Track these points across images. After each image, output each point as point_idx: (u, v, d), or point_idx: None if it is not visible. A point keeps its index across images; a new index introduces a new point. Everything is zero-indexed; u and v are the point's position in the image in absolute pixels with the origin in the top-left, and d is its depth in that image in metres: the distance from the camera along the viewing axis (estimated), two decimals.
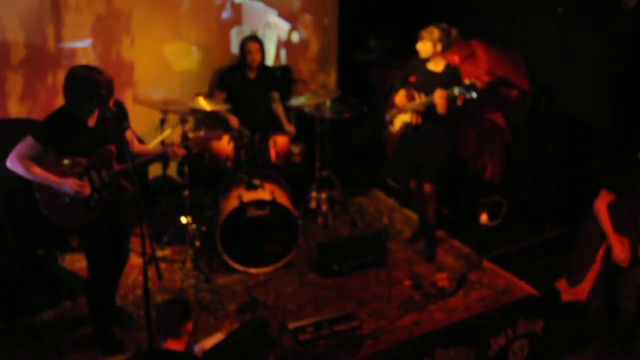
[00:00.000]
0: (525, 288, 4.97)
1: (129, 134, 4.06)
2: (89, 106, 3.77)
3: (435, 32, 4.84)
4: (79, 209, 3.87)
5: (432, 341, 4.35)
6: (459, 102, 4.81)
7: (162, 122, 5.09)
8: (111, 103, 3.83)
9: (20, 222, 4.44)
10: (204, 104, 4.99)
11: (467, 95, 4.70)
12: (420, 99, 4.91)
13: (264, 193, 5.05)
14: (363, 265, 5.13)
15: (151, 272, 3.86)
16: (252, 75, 5.65)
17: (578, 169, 5.54)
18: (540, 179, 5.64)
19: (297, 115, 6.06)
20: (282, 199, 5.10)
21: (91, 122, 3.87)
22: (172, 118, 5.18)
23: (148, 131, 5.31)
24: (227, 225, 4.96)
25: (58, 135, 3.78)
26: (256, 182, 5.14)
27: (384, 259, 5.22)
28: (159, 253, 5.10)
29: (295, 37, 6.50)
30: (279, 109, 5.79)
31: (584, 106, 5.60)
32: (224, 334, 4.15)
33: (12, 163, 3.79)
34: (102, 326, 4.26)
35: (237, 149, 5.26)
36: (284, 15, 6.36)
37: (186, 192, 5.14)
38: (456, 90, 4.70)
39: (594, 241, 4.51)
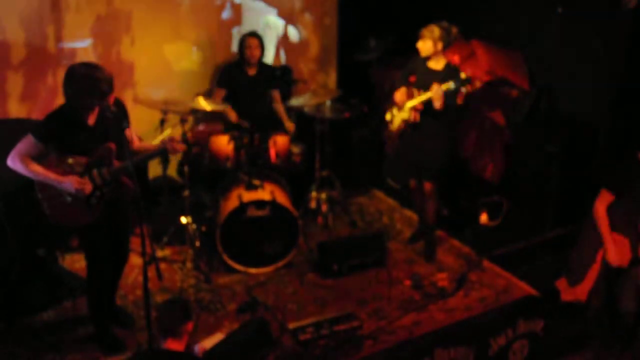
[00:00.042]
0: (525, 288, 4.98)
1: (129, 132, 4.07)
2: (90, 102, 3.76)
3: (435, 30, 4.84)
4: (81, 208, 3.87)
5: (432, 341, 4.35)
6: (459, 101, 4.81)
7: (162, 122, 5.09)
8: (112, 100, 3.83)
9: (20, 222, 4.44)
10: (204, 104, 4.99)
11: (463, 89, 4.70)
12: (418, 96, 4.91)
13: (264, 193, 5.05)
14: (363, 265, 5.13)
15: (151, 272, 3.87)
16: (251, 71, 5.64)
17: (578, 169, 5.54)
18: (540, 179, 5.64)
19: (297, 115, 6.06)
20: (282, 199, 5.10)
21: (91, 120, 3.87)
22: (172, 118, 5.18)
23: (148, 131, 5.30)
24: (227, 225, 4.96)
25: (58, 133, 3.78)
26: (256, 182, 5.14)
27: (384, 259, 5.22)
28: (159, 253, 5.10)
29: (295, 37, 6.50)
30: (279, 106, 5.78)
31: (584, 106, 5.60)
32: (224, 334, 4.15)
33: (13, 161, 3.79)
34: (102, 326, 4.27)
35: (237, 149, 5.26)
36: (284, 15, 6.37)
37: (186, 192, 5.15)
38: (452, 84, 4.70)
39: (594, 241, 4.51)
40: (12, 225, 4.42)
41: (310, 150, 5.61)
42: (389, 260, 5.25)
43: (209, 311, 4.64)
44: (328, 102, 5.52)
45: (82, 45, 5.37)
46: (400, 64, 5.43)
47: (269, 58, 6.20)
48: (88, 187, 3.82)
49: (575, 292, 4.63)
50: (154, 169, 5.53)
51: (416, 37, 4.94)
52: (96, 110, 3.85)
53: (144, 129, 5.30)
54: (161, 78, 5.82)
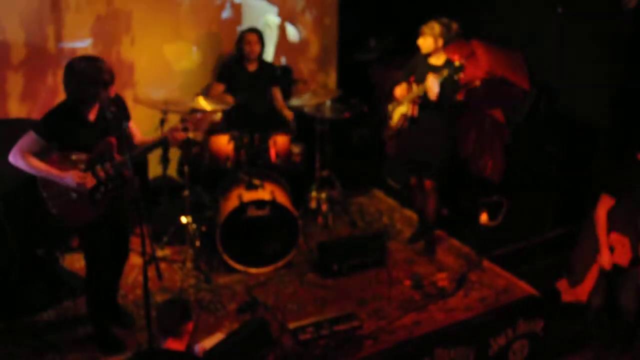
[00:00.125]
0: (525, 288, 4.98)
1: (131, 126, 4.07)
2: (93, 93, 3.74)
3: (436, 27, 4.84)
4: (86, 204, 3.87)
5: (432, 341, 4.35)
6: (459, 97, 4.81)
7: (162, 122, 5.08)
8: (113, 92, 3.83)
9: (20, 222, 4.44)
10: (204, 103, 4.98)
11: (456, 77, 4.70)
12: (416, 89, 4.92)
13: (264, 193, 5.05)
14: (363, 265, 5.13)
15: (151, 272, 3.87)
16: (251, 67, 5.62)
17: (578, 169, 5.54)
18: (540, 179, 5.64)
19: (297, 115, 6.05)
20: (282, 199, 5.11)
21: (92, 116, 3.86)
22: (172, 118, 5.18)
23: (148, 131, 5.28)
24: (227, 225, 4.96)
25: (60, 129, 3.77)
26: (256, 182, 5.14)
27: (384, 259, 5.22)
28: (159, 253, 5.10)
29: (295, 37, 6.51)
30: (277, 96, 5.73)
31: (584, 106, 5.60)
32: (224, 334, 4.16)
33: (14, 158, 3.78)
34: (102, 326, 4.26)
35: (237, 148, 5.26)
36: (284, 14, 6.37)
37: (186, 192, 5.15)
38: (446, 72, 4.71)
39: (594, 241, 4.51)
40: (12, 225, 4.41)
41: (310, 150, 5.61)
42: (389, 260, 5.25)
43: (209, 311, 4.64)
44: (328, 102, 5.51)
45: (82, 45, 5.37)
46: (400, 64, 5.43)
47: (268, 58, 6.19)
48: (90, 182, 3.82)
49: (576, 292, 4.64)
50: (154, 169, 5.53)
51: (416, 37, 4.94)
52: (97, 106, 3.85)
53: (144, 129, 5.26)
54: (161, 78, 5.82)
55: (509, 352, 4.55)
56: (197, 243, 5.15)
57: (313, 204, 5.74)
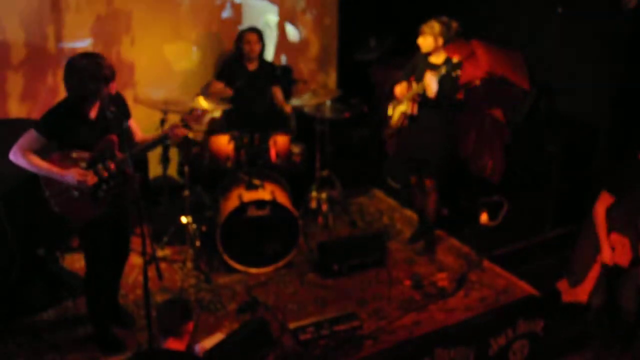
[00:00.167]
0: (525, 288, 4.98)
1: (132, 124, 4.07)
2: (94, 89, 3.73)
3: (436, 26, 4.85)
4: (88, 201, 3.87)
5: (432, 341, 4.35)
6: (459, 96, 4.81)
7: (162, 122, 5.08)
8: (114, 89, 3.83)
9: (21, 222, 4.43)
10: (204, 103, 4.98)
11: (454, 73, 4.70)
12: (416, 87, 4.92)
13: (264, 193, 5.05)
14: (363, 265, 5.13)
15: (151, 272, 3.87)
16: (251, 67, 5.61)
17: (578, 169, 5.54)
18: (540, 179, 5.64)
19: (297, 115, 6.05)
20: (283, 198, 5.11)
21: (93, 114, 3.86)
22: (173, 118, 5.18)
23: (148, 131, 5.29)
24: (228, 225, 4.96)
25: (61, 127, 3.77)
26: (256, 182, 5.14)
27: (384, 259, 5.22)
28: (159, 253, 5.10)
29: (295, 37, 6.51)
30: (277, 94, 5.72)
31: (584, 106, 5.60)
32: (224, 334, 4.16)
33: (15, 156, 3.78)
34: (102, 326, 4.26)
35: (237, 148, 5.26)
36: (284, 14, 6.37)
37: (186, 192, 5.15)
38: (444, 69, 4.71)
39: (594, 241, 4.51)
40: (12, 225, 4.41)
41: (311, 150, 5.61)
42: (389, 260, 5.25)
43: (209, 311, 4.64)
44: (328, 102, 5.51)
45: (82, 45, 5.37)
46: (400, 64, 5.43)
47: (268, 57, 6.19)
48: (91, 179, 3.81)
49: (576, 293, 4.63)
50: (154, 169, 5.53)
51: (416, 37, 4.94)
52: (97, 104, 3.85)
53: (144, 129, 5.27)
54: (161, 78, 5.82)
55: (509, 352, 4.54)
56: (197, 243, 5.15)
57: (313, 204, 5.74)
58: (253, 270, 5.06)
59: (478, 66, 5.97)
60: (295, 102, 5.53)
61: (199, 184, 5.62)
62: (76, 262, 4.92)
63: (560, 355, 4.64)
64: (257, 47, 5.53)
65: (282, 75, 6.14)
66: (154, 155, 5.25)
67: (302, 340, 4.30)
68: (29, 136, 3.77)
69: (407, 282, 5.02)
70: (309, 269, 5.14)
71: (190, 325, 3.40)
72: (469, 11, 6.17)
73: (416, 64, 5.06)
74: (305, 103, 5.48)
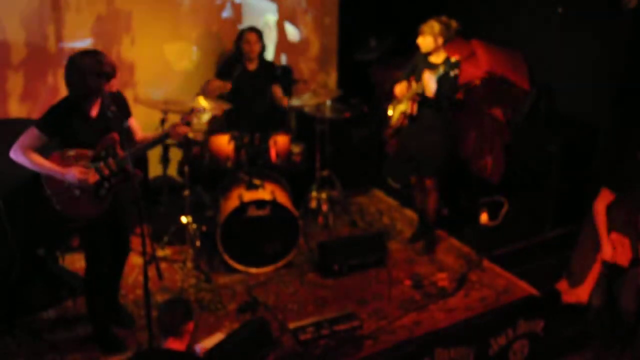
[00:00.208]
0: (526, 288, 4.98)
1: (133, 123, 4.07)
2: (96, 85, 3.73)
3: (435, 26, 4.85)
4: (90, 200, 3.87)
5: (432, 341, 4.35)
6: (459, 96, 4.81)
7: (163, 122, 5.08)
8: (114, 86, 3.82)
9: (21, 222, 4.43)
10: (204, 103, 4.98)
11: (452, 73, 4.71)
12: (415, 86, 4.92)
13: (265, 193, 5.05)
14: (363, 265, 5.13)
15: (151, 272, 3.87)
16: (251, 66, 5.61)
17: (578, 169, 5.54)
18: (540, 179, 5.64)
19: (297, 115, 6.05)
20: (283, 198, 5.11)
21: (94, 112, 3.86)
22: (173, 118, 5.18)
23: (148, 131, 5.29)
24: (228, 225, 4.96)
25: (62, 124, 3.77)
26: (257, 181, 5.14)
27: (384, 258, 5.22)
28: (160, 253, 5.10)
29: (295, 37, 6.50)
30: (276, 90, 5.69)
31: (584, 106, 5.60)
32: (224, 334, 4.16)
33: (16, 154, 3.77)
34: (102, 326, 4.26)
35: (237, 148, 5.26)
36: (284, 14, 6.37)
37: (186, 192, 5.15)
38: (441, 68, 4.71)
39: (594, 242, 4.51)
40: (12, 225, 4.41)
41: (311, 150, 5.61)
42: (389, 260, 5.25)
43: (209, 311, 4.64)
44: (328, 102, 5.51)
45: (82, 45, 5.37)
46: (400, 64, 5.43)
47: (268, 57, 6.19)
48: (92, 177, 3.81)
49: (576, 293, 4.64)
50: (154, 168, 5.53)
51: (416, 37, 4.94)
52: (99, 102, 3.85)
53: (144, 129, 5.28)
54: (161, 78, 5.82)
55: (509, 352, 4.55)
56: (198, 243, 5.15)
57: (313, 204, 5.74)
58: (253, 270, 5.06)
59: (478, 66, 5.97)
60: (295, 102, 5.53)
61: (199, 184, 5.62)
62: (76, 262, 4.92)
63: (560, 355, 4.64)
64: (256, 47, 5.52)
65: (282, 75, 6.14)
66: (154, 155, 5.25)
67: (302, 340, 4.30)
68: (30, 134, 3.76)
69: (407, 282, 5.02)
70: (309, 268, 5.14)
71: (190, 325, 3.40)
72: (469, 11, 6.17)
73: (416, 64, 5.06)
74: (305, 103, 5.48)
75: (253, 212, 5.00)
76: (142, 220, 3.68)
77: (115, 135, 3.87)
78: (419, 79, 4.91)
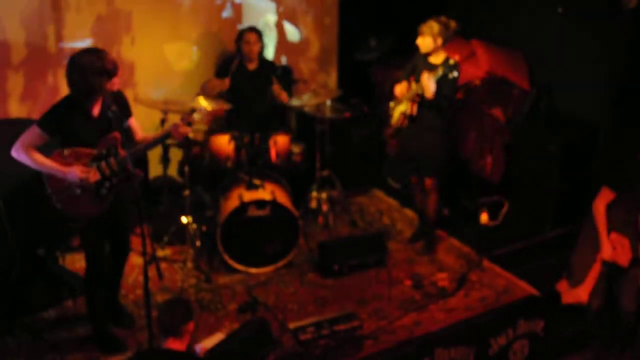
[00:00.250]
0: (526, 288, 4.98)
1: (133, 123, 4.06)
2: (98, 83, 3.73)
3: (434, 26, 4.85)
4: (91, 199, 3.87)
5: (432, 341, 4.35)
6: (459, 96, 4.81)
7: (163, 122, 5.08)
8: (116, 85, 3.82)
9: (21, 222, 4.43)
10: (204, 103, 4.97)
11: (450, 75, 4.71)
12: (415, 87, 4.93)
13: (265, 193, 5.05)
14: (363, 265, 5.13)
15: (152, 272, 3.87)
16: (251, 66, 5.61)
17: (578, 169, 5.54)
18: (540, 179, 5.64)
19: (297, 115, 6.04)
20: (283, 198, 5.11)
21: (96, 111, 3.86)
22: (173, 118, 5.18)
23: (148, 131, 5.29)
24: (228, 225, 4.96)
25: (63, 123, 3.77)
26: (257, 181, 5.14)
27: (384, 259, 5.22)
28: (160, 253, 5.10)
29: (295, 37, 6.50)
30: (275, 86, 5.68)
31: (584, 106, 5.60)
32: (224, 334, 4.16)
33: (17, 152, 3.77)
34: (101, 326, 4.26)
35: (237, 148, 5.26)
36: (284, 14, 6.37)
37: (187, 192, 5.15)
38: (440, 70, 4.71)
39: (594, 242, 4.51)
40: (12, 225, 4.41)
41: (311, 150, 5.61)
42: (389, 260, 5.25)
43: (209, 311, 4.64)
44: (328, 102, 5.51)
45: (82, 45, 5.35)
46: (400, 64, 5.43)
47: (268, 57, 6.19)
48: (92, 176, 3.81)
49: (576, 293, 4.63)
50: (155, 168, 5.53)
51: (416, 37, 4.94)
52: (100, 101, 3.85)
53: (144, 129, 5.28)
54: (161, 78, 5.82)
55: (509, 352, 4.54)
56: (198, 243, 5.15)
57: (313, 204, 5.74)
58: (253, 270, 5.06)
59: (478, 66, 5.97)
60: (295, 102, 5.53)
61: (199, 184, 5.62)
62: (76, 262, 4.92)
63: (560, 355, 4.64)
64: (256, 48, 5.52)
65: (282, 75, 6.14)
66: (154, 155, 5.25)
67: (302, 340, 4.31)
68: (32, 132, 3.76)
69: (407, 282, 5.02)
70: (309, 268, 5.14)
71: (190, 325, 3.40)
72: (469, 11, 6.18)
73: (416, 64, 5.06)
74: (306, 103, 5.48)
75: (253, 212, 5.00)
76: (142, 220, 3.69)
77: (117, 135, 3.87)
78: (418, 79, 4.91)
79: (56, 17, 5.25)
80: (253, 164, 5.28)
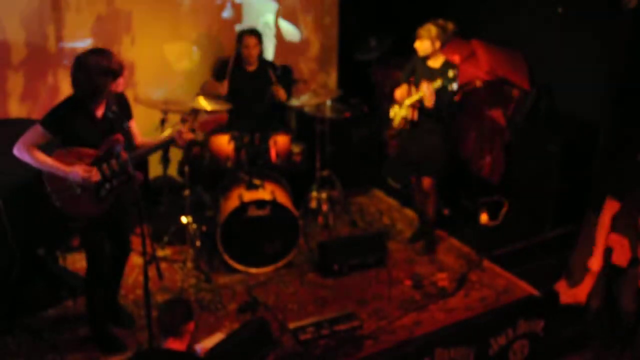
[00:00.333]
0: (526, 288, 4.98)
1: (133, 126, 4.06)
2: (104, 83, 3.72)
3: (432, 29, 4.84)
4: (91, 199, 3.87)
5: (432, 341, 4.35)
6: (457, 98, 4.81)
7: (163, 122, 5.09)
8: (121, 85, 3.82)
9: (21, 222, 4.43)
10: (204, 103, 4.98)
11: (449, 87, 4.71)
12: (415, 93, 4.93)
13: (265, 193, 5.05)
14: (363, 265, 5.13)
15: (152, 272, 3.87)
16: (251, 67, 5.61)
17: (578, 169, 5.54)
18: (540, 179, 5.64)
19: (297, 115, 6.04)
20: (283, 198, 5.11)
21: (99, 112, 3.86)
22: (173, 118, 5.18)
23: (148, 131, 5.30)
24: (228, 225, 4.96)
25: (67, 123, 3.76)
26: (257, 181, 5.14)
27: (384, 259, 5.22)
28: (160, 253, 5.10)
29: (295, 37, 6.50)
30: (274, 83, 5.69)
31: (585, 106, 5.60)
32: (224, 334, 4.16)
33: (19, 151, 3.77)
34: (102, 326, 4.26)
35: (237, 148, 5.26)
36: (284, 14, 6.37)
37: (187, 192, 5.15)
38: (439, 82, 4.71)
39: (593, 242, 4.50)
40: (12, 225, 4.41)
41: (311, 150, 5.61)
42: (389, 260, 5.25)
43: (209, 311, 4.64)
44: (328, 102, 5.52)
45: (82, 45, 5.37)
46: (400, 64, 5.43)
47: (268, 57, 6.19)
48: (94, 175, 3.81)
49: (575, 293, 4.64)
50: (155, 168, 5.53)
51: (415, 37, 4.94)
52: (104, 103, 3.85)
53: (144, 129, 5.28)
54: (161, 78, 5.82)
55: (509, 352, 4.55)
56: (198, 243, 5.15)
57: (313, 204, 5.74)
58: (253, 270, 5.06)
59: (478, 66, 5.97)
60: (295, 102, 5.53)
61: (199, 184, 5.62)
62: (76, 262, 4.92)
63: (560, 355, 4.65)
64: (255, 51, 5.52)
65: (282, 75, 6.14)
66: (155, 155, 5.24)
67: (302, 340, 4.31)
68: (34, 131, 3.76)
69: (407, 282, 5.02)
70: (309, 268, 5.14)
71: (190, 325, 3.40)
72: (469, 11, 6.17)
73: (414, 66, 5.06)
74: (306, 103, 5.48)
75: (253, 212, 5.00)
76: (143, 220, 3.69)
77: (120, 137, 3.87)
78: (418, 83, 4.91)
79: (56, 17, 5.25)
80: (253, 164, 5.28)
